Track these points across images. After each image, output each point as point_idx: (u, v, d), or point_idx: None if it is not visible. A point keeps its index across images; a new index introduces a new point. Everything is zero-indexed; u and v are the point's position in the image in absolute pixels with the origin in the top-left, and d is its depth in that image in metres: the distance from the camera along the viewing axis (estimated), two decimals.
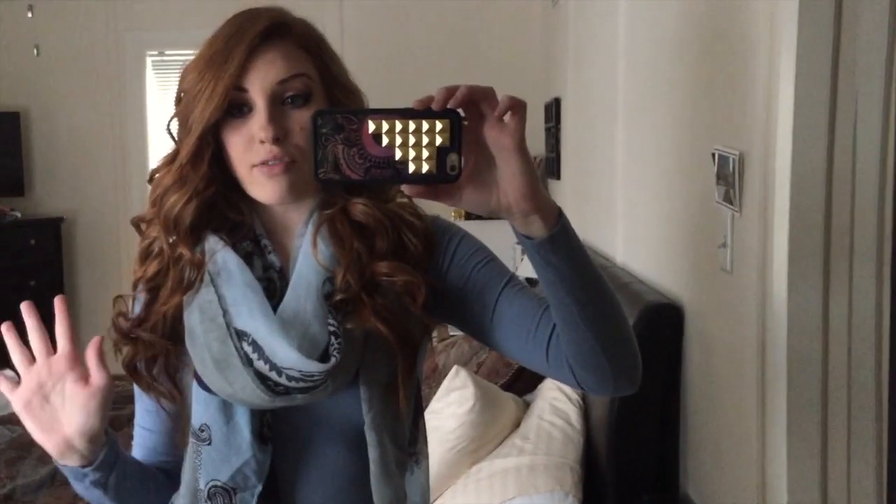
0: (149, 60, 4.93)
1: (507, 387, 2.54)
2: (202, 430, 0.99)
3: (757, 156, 1.56)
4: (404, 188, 0.84)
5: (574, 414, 2.30)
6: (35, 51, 4.34)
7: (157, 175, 1.02)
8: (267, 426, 0.99)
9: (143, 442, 1.10)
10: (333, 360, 0.95)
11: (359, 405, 0.99)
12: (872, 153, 1.36)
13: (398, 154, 0.82)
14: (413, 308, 0.99)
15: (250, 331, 0.96)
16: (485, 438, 2.27)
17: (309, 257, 0.99)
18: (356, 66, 1.08)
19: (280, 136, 0.95)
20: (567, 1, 3.75)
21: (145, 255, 1.03)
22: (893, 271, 1.36)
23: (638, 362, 0.96)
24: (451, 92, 0.82)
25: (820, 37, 1.35)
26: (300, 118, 0.97)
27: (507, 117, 0.82)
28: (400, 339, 0.99)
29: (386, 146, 0.82)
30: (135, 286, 1.04)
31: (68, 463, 0.96)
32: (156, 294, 1.02)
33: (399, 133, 0.82)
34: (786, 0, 1.38)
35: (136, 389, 1.06)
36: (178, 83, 1.01)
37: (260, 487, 0.99)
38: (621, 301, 0.97)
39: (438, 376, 2.59)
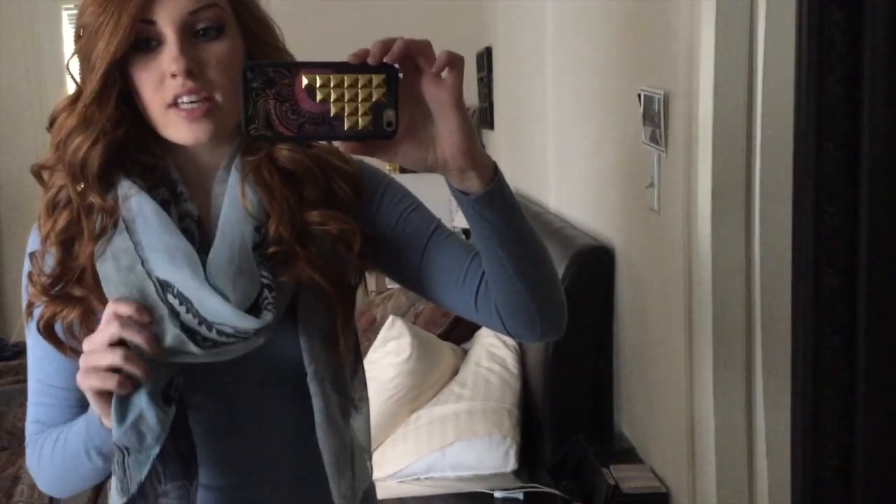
0: (65, 15, 4.73)
1: (444, 336, 2.56)
2: None
3: (681, 95, 1.58)
4: (339, 144, 0.83)
5: (510, 359, 2.34)
6: None
7: (57, 119, 0.96)
8: (175, 388, 0.93)
9: (46, 400, 1.03)
10: (270, 315, 0.92)
11: (298, 356, 0.97)
12: (791, 90, 1.39)
13: (333, 109, 0.79)
14: (348, 256, 0.98)
15: (174, 282, 0.92)
16: (423, 387, 2.29)
17: (236, 206, 0.96)
18: (283, 17, 1.04)
19: (193, 70, 0.91)
20: None
21: (52, 207, 0.97)
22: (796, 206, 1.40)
23: (564, 310, 0.98)
24: (387, 46, 0.80)
25: None
26: (214, 51, 0.92)
27: (444, 73, 0.81)
28: (337, 287, 0.97)
29: (320, 101, 0.79)
30: (44, 241, 0.97)
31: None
32: (69, 248, 0.96)
33: (334, 88, 0.79)
34: None
35: (41, 351, 1.00)
36: (76, 18, 0.95)
37: (157, 449, 0.92)
38: (555, 246, 0.99)
39: (376, 329, 2.59)
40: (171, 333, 0.91)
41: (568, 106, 2.48)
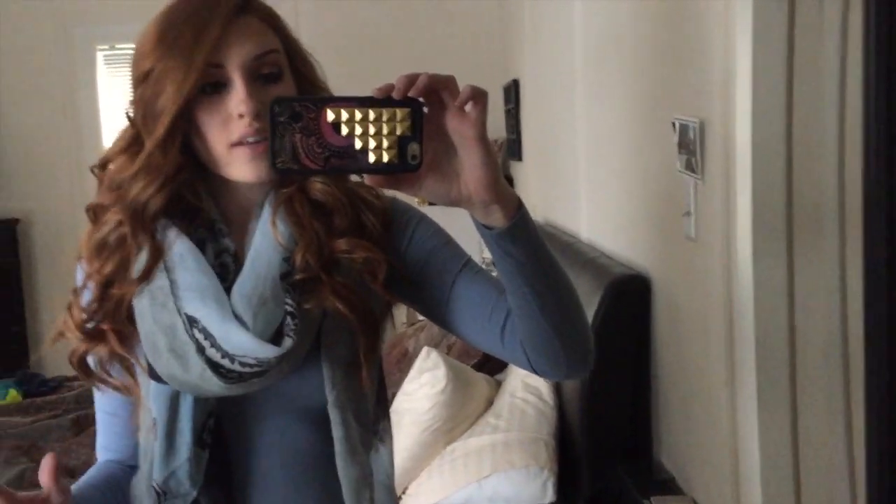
0: (100, 55, 4.83)
1: (478, 367, 2.55)
2: (154, 424, 0.98)
3: (717, 123, 1.57)
4: (364, 177, 0.84)
5: (546, 389, 2.32)
6: None
7: (111, 161, 0.98)
8: (208, 431, 0.98)
9: (107, 428, 1.08)
10: (289, 341, 0.94)
11: (321, 384, 0.98)
12: (832, 116, 1.38)
13: (358, 143, 0.80)
14: (373, 285, 0.99)
15: (200, 317, 0.94)
16: (458, 418, 2.28)
17: (267, 236, 0.98)
18: (312, 53, 1.07)
19: (260, 112, 0.93)
20: None
21: (101, 246, 0.99)
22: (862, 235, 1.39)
23: (590, 348, 0.98)
24: (411, 80, 0.80)
25: (775, 1, 1.37)
26: (275, 93, 0.95)
27: (468, 107, 0.82)
28: (361, 317, 0.98)
29: (345, 135, 0.80)
30: (88, 278, 0.99)
31: None
32: (109, 287, 0.98)
33: (359, 122, 0.80)
34: None
35: None
36: (134, 65, 0.96)
37: (194, 494, 0.97)
38: (589, 275, 0.98)
39: (409, 360, 2.59)
40: (197, 368, 0.94)
41: (599, 135, 2.48)
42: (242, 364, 0.93)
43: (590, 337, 0.97)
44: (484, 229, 0.88)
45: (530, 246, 0.88)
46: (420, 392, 2.26)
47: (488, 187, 0.83)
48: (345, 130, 0.80)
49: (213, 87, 0.94)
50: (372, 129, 0.80)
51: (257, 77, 0.95)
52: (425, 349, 2.38)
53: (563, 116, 2.91)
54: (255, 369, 0.93)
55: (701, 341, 1.75)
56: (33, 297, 4.84)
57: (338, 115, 0.80)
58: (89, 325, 0.98)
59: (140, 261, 0.96)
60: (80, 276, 1.02)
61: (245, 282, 0.96)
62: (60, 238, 4.80)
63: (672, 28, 1.81)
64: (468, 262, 1.03)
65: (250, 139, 0.94)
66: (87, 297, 1.00)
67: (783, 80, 1.39)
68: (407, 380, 2.33)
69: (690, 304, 1.81)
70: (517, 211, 0.87)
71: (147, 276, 0.96)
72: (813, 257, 1.42)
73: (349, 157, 0.80)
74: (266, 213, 0.99)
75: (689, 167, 1.71)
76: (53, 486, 0.88)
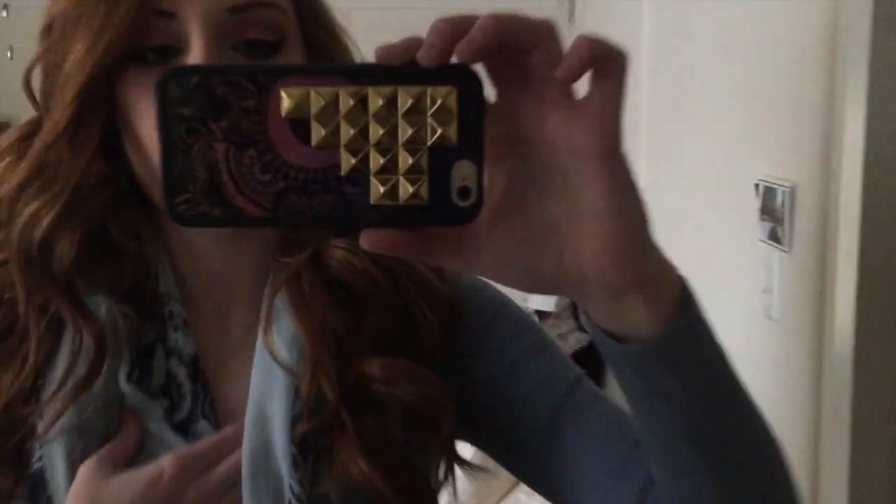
0: None
1: None
2: None
3: (813, 188, 1.36)
4: (361, 236, 0.42)
5: None
6: (9, 54, 4.07)
7: None
8: None
9: None
10: None
11: None
12: None
13: (345, 162, 0.40)
14: (428, 439, 0.62)
15: None
16: (486, 492, 2.09)
17: (258, 352, 0.59)
18: (364, 33, 0.87)
19: None
20: (584, 16, 3.59)
21: None
22: None
23: None
24: (457, 25, 0.38)
25: None
26: None
27: (588, 86, 0.40)
28: (405, 491, 0.60)
29: (319, 145, 0.40)
30: None
31: None
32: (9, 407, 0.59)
33: (346, 118, 0.40)
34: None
35: None
36: (46, 8, 0.60)
37: None
38: None
39: None
40: None
41: (666, 193, 2.27)
42: None
43: None
44: (608, 340, 0.46)
45: (700, 372, 0.48)
46: None
47: (624, 258, 0.42)
48: (317, 135, 0.40)
49: (158, 51, 0.56)
50: (377, 132, 0.40)
51: (236, 44, 0.57)
52: None
53: None
54: None
55: (780, 428, 1.51)
56: None
57: (304, 103, 0.39)
58: None
59: (75, 362, 0.58)
60: None
61: (247, 447, 0.58)
62: None
63: (760, 71, 1.61)
64: (579, 381, 0.65)
65: None
66: None
67: None
68: None
69: (768, 390, 1.57)
70: (679, 306, 0.47)
71: (89, 384, 0.57)
72: None
73: (327, 192, 0.40)
74: (263, 299, 0.61)
75: (774, 237, 1.50)
76: None
